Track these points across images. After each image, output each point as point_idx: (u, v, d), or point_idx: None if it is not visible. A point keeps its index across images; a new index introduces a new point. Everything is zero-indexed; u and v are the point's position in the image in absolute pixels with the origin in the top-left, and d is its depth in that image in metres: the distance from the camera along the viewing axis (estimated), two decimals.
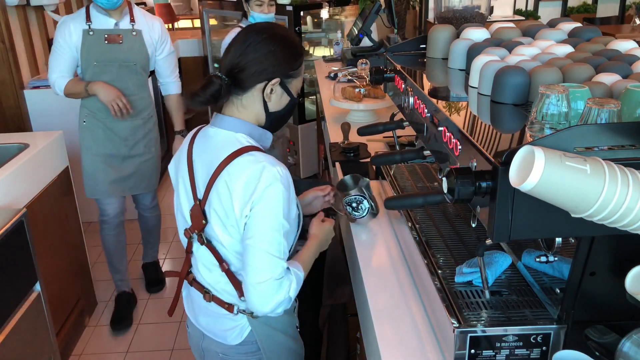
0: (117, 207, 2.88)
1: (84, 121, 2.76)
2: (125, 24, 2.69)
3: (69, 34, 2.60)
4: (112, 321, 2.96)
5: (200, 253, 1.43)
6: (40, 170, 2.53)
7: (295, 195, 1.38)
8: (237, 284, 1.39)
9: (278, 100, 1.38)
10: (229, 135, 1.36)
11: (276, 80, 1.35)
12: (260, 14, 3.13)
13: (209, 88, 1.31)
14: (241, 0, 3.18)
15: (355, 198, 1.63)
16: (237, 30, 3.20)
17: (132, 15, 2.71)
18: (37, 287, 2.15)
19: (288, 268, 1.33)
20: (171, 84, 2.94)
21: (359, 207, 1.64)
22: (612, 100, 0.89)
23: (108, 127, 2.73)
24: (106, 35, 2.64)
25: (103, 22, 2.65)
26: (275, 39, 1.35)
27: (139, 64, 2.72)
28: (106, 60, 2.65)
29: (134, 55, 2.70)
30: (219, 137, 1.37)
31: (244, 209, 1.28)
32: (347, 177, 1.69)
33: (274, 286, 1.28)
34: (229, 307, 1.43)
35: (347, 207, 1.65)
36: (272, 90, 1.36)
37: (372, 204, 1.65)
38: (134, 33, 2.69)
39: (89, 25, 2.62)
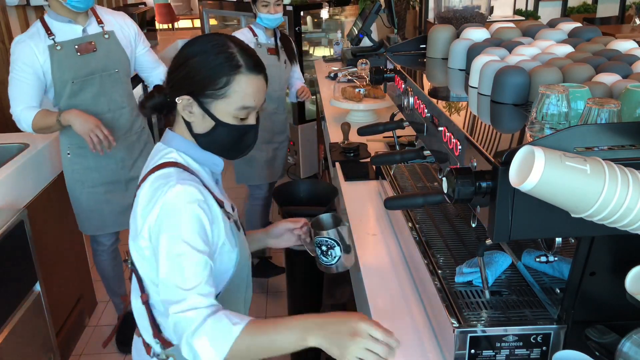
0: (114, 234, 2.61)
1: (68, 153, 2.39)
2: (93, 28, 2.29)
3: (32, 55, 2.16)
4: (120, 342, 2.77)
5: (133, 279, 1.28)
6: (40, 170, 2.53)
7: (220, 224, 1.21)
8: (152, 320, 1.23)
9: (200, 121, 1.20)
10: (162, 149, 1.25)
11: (184, 98, 1.18)
12: (267, 15, 3.00)
13: (149, 100, 1.24)
14: (249, 2, 3.11)
15: (326, 241, 1.39)
16: (245, 31, 3.10)
17: (97, 16, 2.31)
18: (37, 287, 2.15)
19: (210, 314, 1.05)
20: (162, 74, 2.48)
21: (329, 253, 1.40)
22: (612, 100, 0.89)
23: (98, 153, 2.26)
24: (76, 46, 2.22)
25: (68, 31, 2.23)
26: (195, 52, 1.18)
27: (121, 70, 2.36)
28: (84, 75, 2.25)
29: (114, 62, 2.33)
30: (155, 150, 1.28)
31: (143, 232, 1.15)
32: (327, 215, 1.47)
33: (181, 321, 1.05)
34: (147, 347, 1.28)
35: (317, 248, 1.41)
36: (189, 110, 1.20)
37: (344, 255, 1.40)
38: (107, 36, 2.30)
39: (52, 39, 2.19)
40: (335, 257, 1.41)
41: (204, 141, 1.23)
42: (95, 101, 2.32)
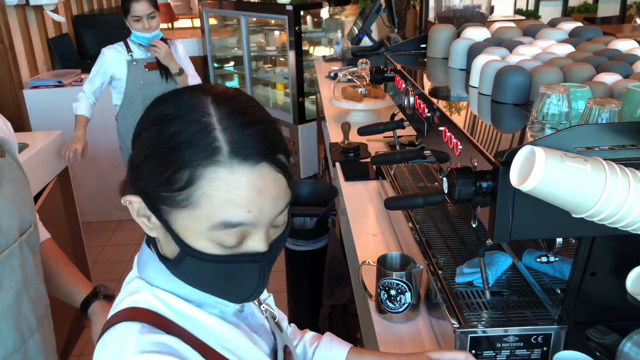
0: None
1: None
2: None
3: None
4: None
5: None
6: (40, 170, 2.53)
7: None
8: None
9: (165, 240, 0.74)
10: (130, 280, 0.79)
11: (133, 199, 0.71)
12: (141, 33, 2.63)
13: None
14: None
15: (397, 284, 1.24)
16: (117, 46, 2.79)
17: None
18: None
19: None
20: None
21: (397, 299, 1.25)
22: (612, 100, 0.89)
23: None
24: None
25: None
26: (159, 116, 0.69)
27: None
28: None
29: None
30: (126, 279, 0.81)
31: None
32: (395, 254, 1.34)
33: None
34: None
35: (382, 291, 1.26)
36: (147, 218, 0.72)
37: (415, 301, 1.27)
38: None
39: None
40: (405, 304, 1.26)
41: (177, 273, 0.75)
42: None
